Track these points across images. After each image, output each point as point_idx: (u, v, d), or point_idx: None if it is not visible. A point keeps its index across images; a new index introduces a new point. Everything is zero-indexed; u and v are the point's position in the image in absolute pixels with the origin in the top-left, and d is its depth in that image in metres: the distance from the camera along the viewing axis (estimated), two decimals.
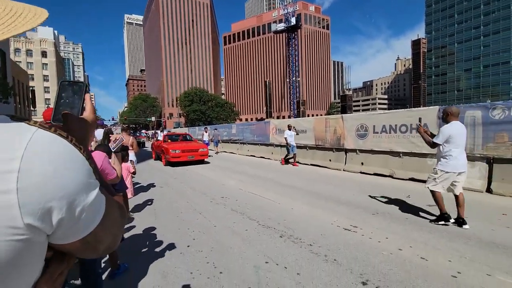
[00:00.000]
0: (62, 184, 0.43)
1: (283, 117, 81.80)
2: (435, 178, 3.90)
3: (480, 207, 4.58)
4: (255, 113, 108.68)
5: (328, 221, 4.05)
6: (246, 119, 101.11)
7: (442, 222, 3.78)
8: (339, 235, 3.52)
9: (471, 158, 6.01)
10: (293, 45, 74.16)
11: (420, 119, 5.04)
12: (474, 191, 5.64)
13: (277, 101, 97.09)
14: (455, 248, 3.03)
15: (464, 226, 3.62)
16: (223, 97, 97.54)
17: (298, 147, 11.47)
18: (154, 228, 4.07)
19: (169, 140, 12.56)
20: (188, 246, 3.36)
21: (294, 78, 72.70)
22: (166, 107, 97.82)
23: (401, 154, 7.39)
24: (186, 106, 65.74)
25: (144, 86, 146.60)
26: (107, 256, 2.77)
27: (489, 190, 5.53)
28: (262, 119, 49.09)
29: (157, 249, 3.33)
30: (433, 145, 3.92)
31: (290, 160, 10.75)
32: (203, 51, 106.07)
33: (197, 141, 13.55)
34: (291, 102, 71.44)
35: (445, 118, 3.97)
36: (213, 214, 4.62)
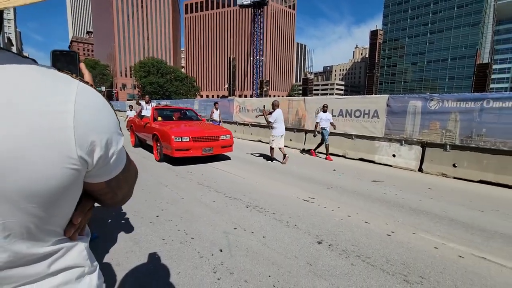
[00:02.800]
0: (103, 126, 0.52)
1: (245, 96, 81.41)
2: (273, 140, 7.00)
3: (412, 183, 5.44)
4: (216, 90, 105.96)
5: (289, 194, 4.45)
6: (207, 96, 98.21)
7: (270, 162, 7.06)
8: (299, 205, 3.94)
9: (409, 142, 6.97)
10: (259, 22, 72.58)
11: (264, 106, 8.18)
12: (409, 170, 6.62)
13: (240, 79, 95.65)
14: (391, 214, 3.66)
15: (283, 165, 6.86)
16: (183, 70, 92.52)
17: (261, 126, 11.76)
18: None
19: (160, 118, 7.83)
20: (157, 216, 3.44)
21: (258, 57, 71.94)
22: (119, 76, 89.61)
23: (353, 137, 8.17)
24: (141, 77, 61.12)
25: (92, 51, 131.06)
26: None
27: (420, 170, 6.53)
28: (224, 96, 48.23)
29: (125, 220, 3.36)
30: (269, 122, 6.98)
31: (317, 151, 8.48)
32: (162, 17, 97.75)
33: (205, 121, 8.88)
34: (254, 81, 71.12)
35: (273, 107, 7.07)
36: (180, 187, 4.70)
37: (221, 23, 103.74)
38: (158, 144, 6.83)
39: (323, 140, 7.88)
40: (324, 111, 7.92)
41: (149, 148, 8.35)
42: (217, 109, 11.15)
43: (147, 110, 9.09)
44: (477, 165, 5.74)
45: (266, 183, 5.14)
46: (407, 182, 5.46)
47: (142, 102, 9.71)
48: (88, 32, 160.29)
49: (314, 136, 8.20)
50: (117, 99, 64.31)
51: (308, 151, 8.88)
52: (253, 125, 12.42)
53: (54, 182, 0.46)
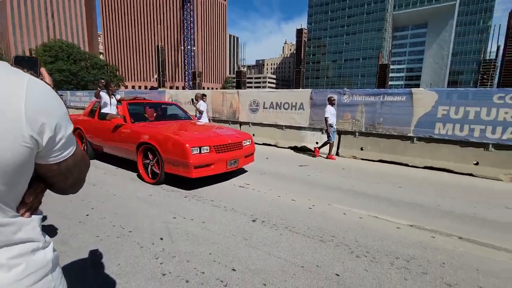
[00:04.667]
0: (52, 111, 0.60)
1: (177, 88, 77.59)
2: None
3: (331, 166, 6.39)
4: (144, 80, 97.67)
5: (226, 182, 4.72)
6: (133, 87, 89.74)
7: None
8: (235, 191, 4.25)
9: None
10: (189, 10, 69.60)
11: (192, 99, 8.61)
12: None
13: (170, 69, 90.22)
14: (313, 193, 4.31)
15: None
16: (101, 57, 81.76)
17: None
18: None
19: (131, 118, 5.32)
20: (87, 215, 3.25)
21: (189, 47, 69.20)
22: None
23: (283, 127, 8.94)
24: (47, 63, 51.63)
25: None
26: None
27: (337, 154, 7.65)
28: (153, 88, 44.83)
29: (47, 223, 3.06)
30: (201, 112, 7.77)
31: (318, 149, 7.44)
32: None
33: (196, 119, 7.08)
34: (186, 72, 68.29)
35: (196, 99, 7.92)
36: (110, 184, 4.44)
37: (147, 7, 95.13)
38: (151, 159, 4.58)
39: (329, 137, 7.00)
40: (332, 105, 7.04)
41: (108, 159, 6.07)
42: (204, 102, 8.61)
43: (112, 106, 6.07)
44: (377, 147, 7.09)
45: None
46: (327, 165, 6.38)
47: (103, 94, 6.06)
48: None
49: (326, 133, 7.12)
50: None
51: (312, 150, 7.82)
52: None
53: (10, 156, 0.54)
